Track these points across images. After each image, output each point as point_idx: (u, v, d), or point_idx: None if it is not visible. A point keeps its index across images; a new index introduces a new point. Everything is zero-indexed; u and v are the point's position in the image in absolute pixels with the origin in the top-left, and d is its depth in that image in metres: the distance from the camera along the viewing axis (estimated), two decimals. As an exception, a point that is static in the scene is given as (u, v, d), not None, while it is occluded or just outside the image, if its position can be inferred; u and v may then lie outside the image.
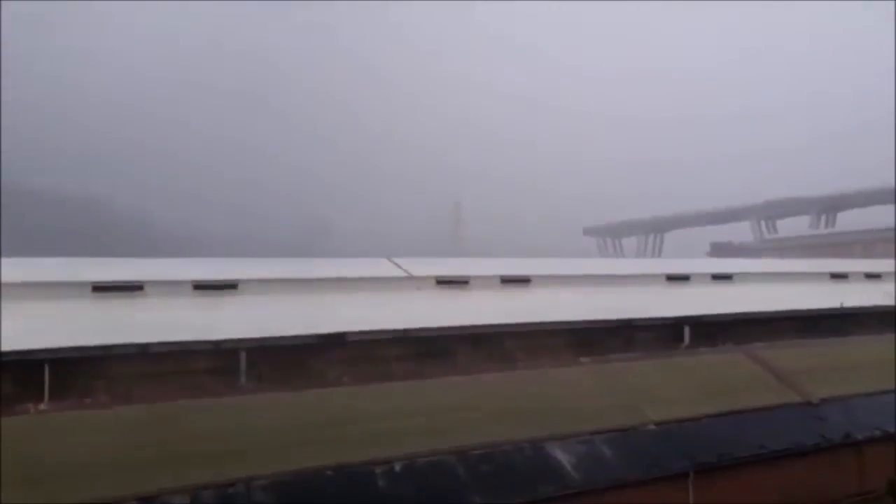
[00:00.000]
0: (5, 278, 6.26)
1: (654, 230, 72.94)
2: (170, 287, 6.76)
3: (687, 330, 7.65)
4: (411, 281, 7.82)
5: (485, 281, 8.14)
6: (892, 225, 40.38)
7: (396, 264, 8.24)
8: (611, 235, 76.55)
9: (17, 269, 6.81)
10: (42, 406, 5.05)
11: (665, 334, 7.60)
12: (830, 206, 59.39)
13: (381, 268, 8.18)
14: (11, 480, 3.87)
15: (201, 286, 6.86)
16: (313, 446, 4.58)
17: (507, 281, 8.29)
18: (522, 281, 8.37)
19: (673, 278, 9.41)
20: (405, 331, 6.38)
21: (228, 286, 6.96)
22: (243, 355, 5.78)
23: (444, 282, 7.91)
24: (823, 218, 59.86)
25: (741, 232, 61.37)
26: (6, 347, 5.18)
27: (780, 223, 62.71)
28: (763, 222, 63.20)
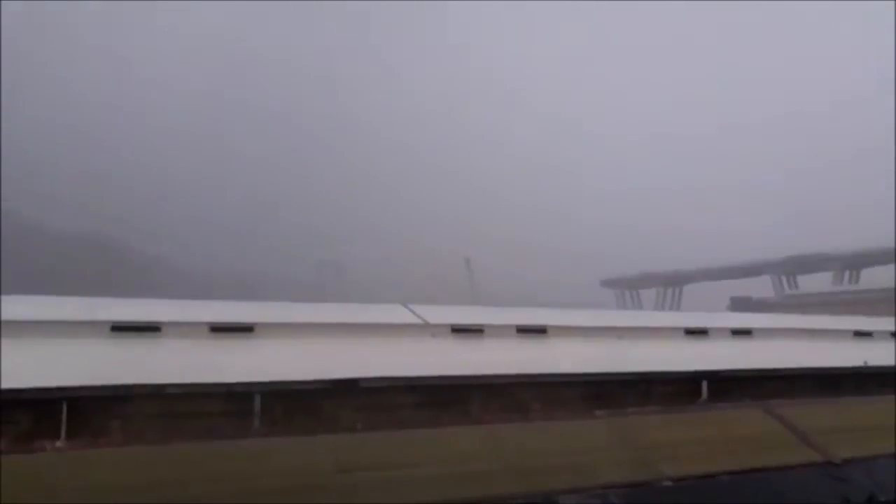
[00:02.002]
0: (25, 316, 6.38)
1: (672, 283, 72.28)
2: (187, 329, 6.81)
3: (705, 385, 7.51)
4: (426, 328, 7.81)
5: (500, 330, 8.09)
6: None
7: (412, 311, 8.24)
8: (629, 287, 75.94)
9: (37, 307, 6.94)
10: (59, 444, 5.07)
11: (682, 389, 7.48)
12: (854, 262, 58.55)
13: (397, 314, 8.18)
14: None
15: (218, 328, 6.92)
16: (324, 492, 4.54)
17: (523, 331, 8.24)
18: (539, 331, 8.30)
19: (691, 332, 9.29)
20: (419, 378, 6.35)
21: (245, 329, 7.00)
22: (257, 398, 5.78)
23: (459, 330, 7.88)
24: (847, 274, 58.93)
25: (762, 287, 60.64)
26: (26, 384, 5.24)
27: (801, 279, 61.86)
28: (784, 277, 62.41)
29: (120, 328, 6.60)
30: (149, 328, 6.70)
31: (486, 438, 5.60)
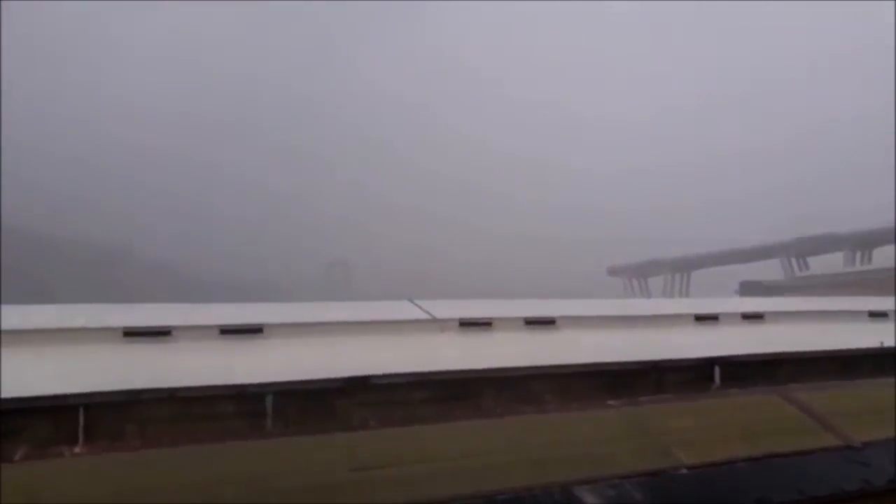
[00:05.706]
0: (42, 325, 6.45)
1: (680, 269, 71.97)
2: (197, 332, 6.87)
3: (717, 371, 7.47)
4: (434, 323, 7.81)
5: (509, 323, 8.09)
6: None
7: (419, 306, 8.25)
8: (636, 275, 75.69)
9: (53, 316, 7.01)
10: (77, 449, 5.11)
11: (695, 376, 7.43)
12: (866, 241, 58.01)
13: (404, 310, 8.20)
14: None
15: (227, 331, 6.95)
16: (339, 490, 4.55)
17: (532, 323, 8.23)
18: (547, 322, 8.30)
19: (702, 318, 9.26)
20: (429, 374, 6.35)
21: (254, 330, 7.04)
22: (269, 399, 5.79)
23: (467, 324, 7.88)
24: (858, 254, 58.41)
25: (772, 270, 60.21)
26: (43, 392, 5.29)
27: (812, 261, 61.39)
28: (794, 260, 61.97)
29: (132, 333, 6.66)
30: (159, 333, 6.75)
31: (499, 431, 5.59)
